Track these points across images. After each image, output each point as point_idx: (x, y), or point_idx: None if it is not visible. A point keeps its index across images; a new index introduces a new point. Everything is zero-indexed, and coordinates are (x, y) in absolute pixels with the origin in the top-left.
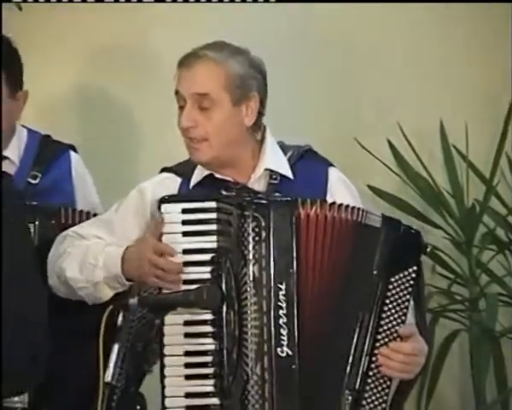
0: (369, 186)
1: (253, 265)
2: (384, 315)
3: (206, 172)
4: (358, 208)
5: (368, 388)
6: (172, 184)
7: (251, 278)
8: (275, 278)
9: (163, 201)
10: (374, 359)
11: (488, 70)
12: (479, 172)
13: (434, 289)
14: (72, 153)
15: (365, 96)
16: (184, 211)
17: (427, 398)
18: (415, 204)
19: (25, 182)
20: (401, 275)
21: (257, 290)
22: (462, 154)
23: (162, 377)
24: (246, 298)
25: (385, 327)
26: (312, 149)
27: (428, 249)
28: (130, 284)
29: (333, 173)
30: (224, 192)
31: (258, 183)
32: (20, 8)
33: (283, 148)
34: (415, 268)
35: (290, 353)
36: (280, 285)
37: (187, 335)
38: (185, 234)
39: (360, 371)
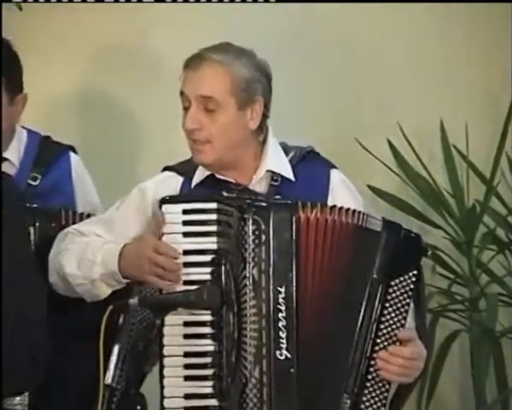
0: (369, 186)
1: (253, 267)
2: (384, 319)
3: (208, 172)
4: (359, 212)
5: (366, 391)
6: (174, 182)
7: (250, 281)
8: (274, 281)
9: (164, 201)
10: (373, 362)
11: (488, 70)
12: (479, 172)
13: (434, 289)
14: (71, 154)
15: (365, 96)
16: (185, 212)
17: (427, 398)
18: (415, 204)
19: (25, 183)
20: (401, 279)
21: (256, 293)
22: (462, 154)
23: (161, 377)
24: (245, 301)
25: (384, 331)
26: (314, 151)
27: (429, 254)
28: (126, 281)
29: (335, 175)
30: (225, 193)
31: (259, 184)
32: (20, 8)
33: (285, 148)
34: (415, 272)
35: (289, 356)
36: (279, 288)
37: (186, 336)
38: (186, 235)
39: (359, 375)
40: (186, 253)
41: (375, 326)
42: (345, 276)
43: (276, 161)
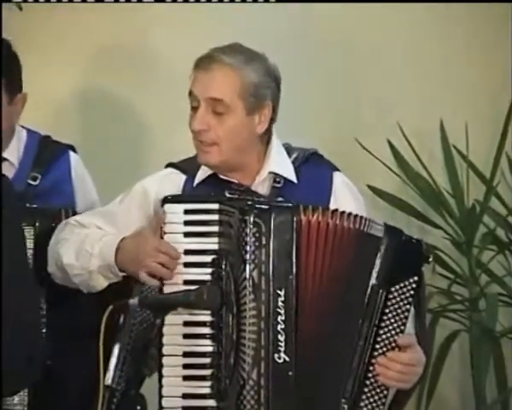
0: (370, 186)
1: (253, 269)
2: (383, 324)
3: (211, 172)
4: (361, 217)
5: (364, 396)
6: (177, 180)
7: (250, 283)
8: (274, 283)
9: (166, 200)
10: (371, 368)
11: (488, 70)
12: (479, 172)
13: (434, 289)
14: (71, 153)
15: (365, 96)
16: (187, 212)
17: (427, 398)
18: (415, 204)
19: (25, 183)
20: (402, 285)
21: (256, 295)
22: (462, 154)
23: (160, 376)
24: (244, 302)
25: (383, 336)
26: (318, 153)
27: (430, 260)
28: (122, 274)
29: (337, 178)
30: (227, 194)
31: (261, 185)
32: (20, 8)
33: (289, 150)
34: (416, 278)
35: (287, 359)
36: (279, 291)
37: (186, 336)
38: (187, 235)
39: (357, 380)
40: (187, 253)
41: (374, 331)
42: (345, 280)
43: (279, 163)
